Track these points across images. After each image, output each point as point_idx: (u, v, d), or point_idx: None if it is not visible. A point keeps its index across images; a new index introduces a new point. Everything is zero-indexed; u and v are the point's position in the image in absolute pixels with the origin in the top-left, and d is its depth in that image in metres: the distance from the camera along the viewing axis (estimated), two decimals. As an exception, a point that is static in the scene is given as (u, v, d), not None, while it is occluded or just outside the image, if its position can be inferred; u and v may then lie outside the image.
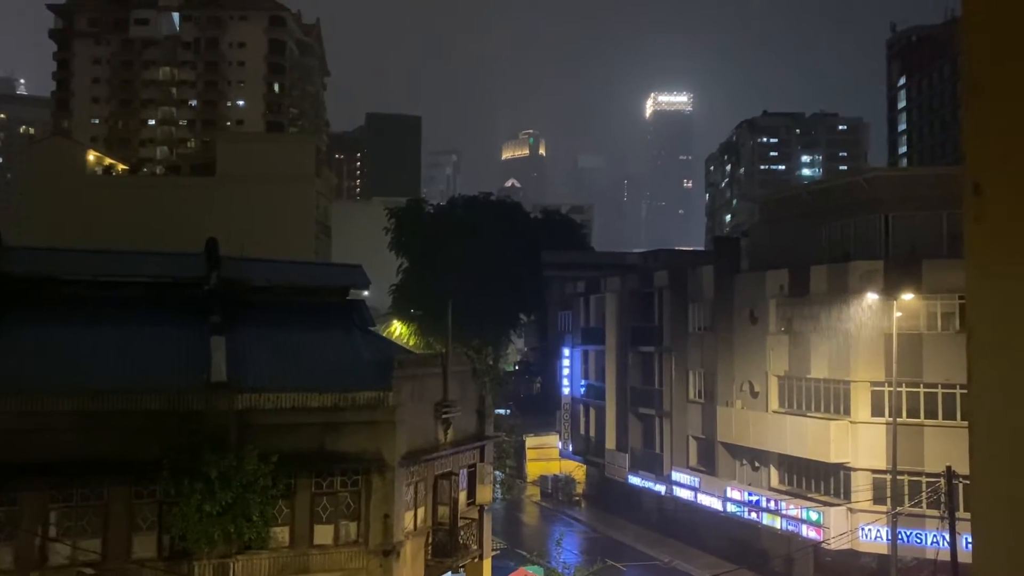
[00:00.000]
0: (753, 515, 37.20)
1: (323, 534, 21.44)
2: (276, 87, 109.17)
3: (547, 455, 58.99)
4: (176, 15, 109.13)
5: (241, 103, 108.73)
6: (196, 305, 23.35)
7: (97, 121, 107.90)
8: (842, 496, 34.04)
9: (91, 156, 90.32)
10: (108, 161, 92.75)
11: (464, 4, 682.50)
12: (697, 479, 41.48)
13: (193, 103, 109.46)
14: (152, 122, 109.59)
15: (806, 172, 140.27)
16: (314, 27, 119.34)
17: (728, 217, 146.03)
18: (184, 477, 19.49)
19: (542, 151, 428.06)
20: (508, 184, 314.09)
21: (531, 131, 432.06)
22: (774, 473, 37.77)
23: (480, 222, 68.75)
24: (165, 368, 21.54)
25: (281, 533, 21.08)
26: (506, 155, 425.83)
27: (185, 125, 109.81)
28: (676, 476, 43.13)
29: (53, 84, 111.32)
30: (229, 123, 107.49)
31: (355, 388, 21.87)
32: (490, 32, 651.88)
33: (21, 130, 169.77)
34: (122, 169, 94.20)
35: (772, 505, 36.11)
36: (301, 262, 35.67)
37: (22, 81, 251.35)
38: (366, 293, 37.70)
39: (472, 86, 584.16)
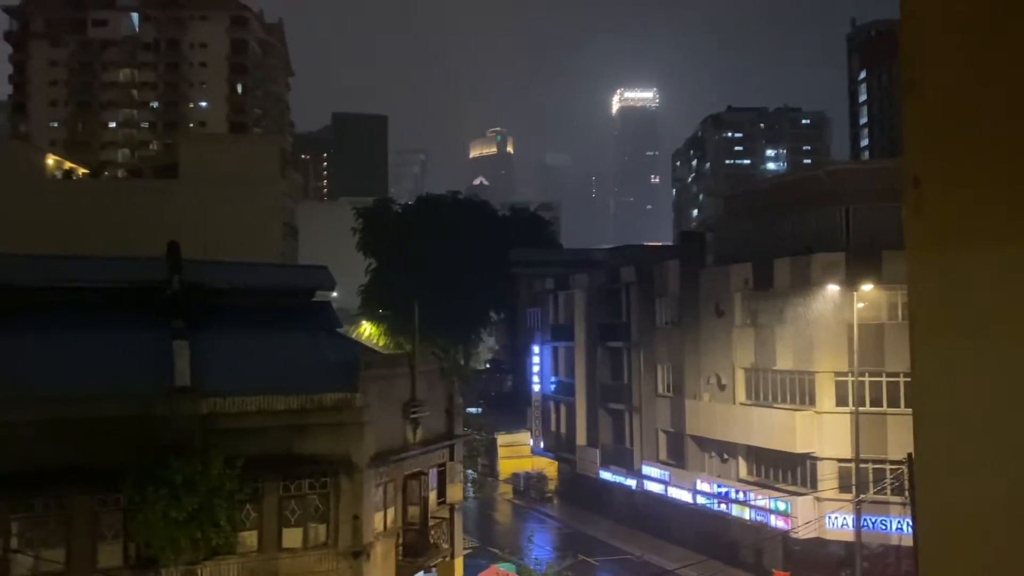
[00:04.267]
0: (722, 507, 37.57)
1: (292, 537, 21.27)
2: (239, 88, 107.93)
3: (519, 452, 59.08)
4: (135, 15, 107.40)
5: (203, 104, 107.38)
6: (159, 310, 23.04)
7: (56, 124, 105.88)
8: (808, 485, 34.50)
9: (50, 160, 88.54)
10: (68, 165, 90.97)
11: (430, 3, 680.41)
12: (667, 472, 41.79)
13: (154, 105, 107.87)
14: (113, 125, 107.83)
15: (771, 166, 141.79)
16: (276, 27, 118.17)
17: (695, 212, 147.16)
18: (148, 484, 19.23)
19: (510, 149, 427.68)
20: (476, 182, 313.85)
21: (499, 129, 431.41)
22: (742, 464, 38.17)
23: (448, 221, 68.59)
24: (127, 374, 21.20)
25: (249, 537, 20.88)
26: (474, 153, 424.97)
27: (147, 127, 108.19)
28: (646, 470, 43.42)
29: (10, 88, 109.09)
30: (192, 124, 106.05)
31: (321, 390, 21.72)
32: (457, 31, 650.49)
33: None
34: (83, 173, 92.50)
35: (741, 496, 36.50)
36: (266, 264, 35.31)
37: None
38: (334, 294, 37.44)
39: (439, 85, 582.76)
